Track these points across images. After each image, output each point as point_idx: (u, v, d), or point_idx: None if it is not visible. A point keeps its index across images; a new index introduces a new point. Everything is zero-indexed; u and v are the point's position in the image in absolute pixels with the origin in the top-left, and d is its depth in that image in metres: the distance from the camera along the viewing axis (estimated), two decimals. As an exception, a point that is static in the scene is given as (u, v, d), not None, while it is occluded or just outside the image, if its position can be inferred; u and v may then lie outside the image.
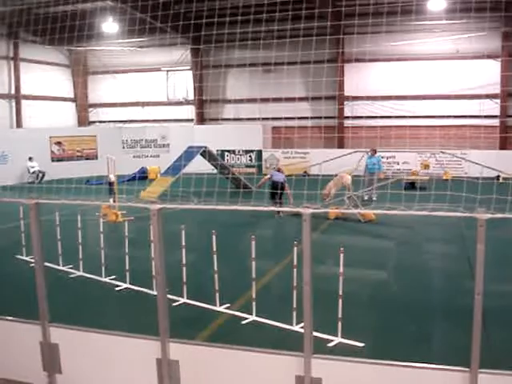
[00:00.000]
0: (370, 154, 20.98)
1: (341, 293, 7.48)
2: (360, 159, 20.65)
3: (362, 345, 7.38)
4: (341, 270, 7.52)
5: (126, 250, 10.14)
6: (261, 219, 16.98)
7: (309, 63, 24.82)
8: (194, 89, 33.78)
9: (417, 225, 15.62)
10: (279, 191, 17.36)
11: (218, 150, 28.79)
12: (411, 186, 22.49)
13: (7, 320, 6.73)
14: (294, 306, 7.72)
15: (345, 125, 31.56)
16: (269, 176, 18.41)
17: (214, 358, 5.81)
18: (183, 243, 9.06)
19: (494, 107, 28.68)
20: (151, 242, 9.24)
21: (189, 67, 34.03)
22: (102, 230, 10.88)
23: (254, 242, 8.16)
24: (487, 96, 28.34)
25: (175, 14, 18.81)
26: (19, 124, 32.45)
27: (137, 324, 7.24)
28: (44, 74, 33.93)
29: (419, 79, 29.95)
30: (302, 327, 7.54)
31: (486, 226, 4.74)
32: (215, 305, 8.86)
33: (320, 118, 29.26)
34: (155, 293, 9.13)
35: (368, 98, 30.55)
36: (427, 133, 29.27)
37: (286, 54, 20.82)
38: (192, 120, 34.59)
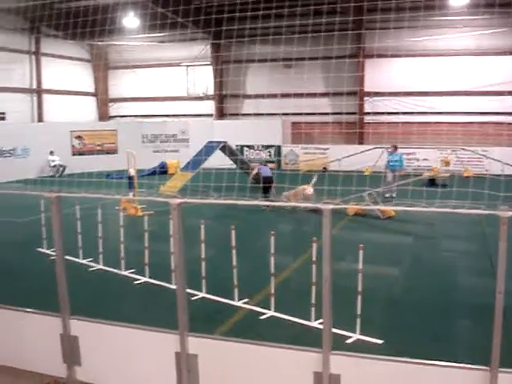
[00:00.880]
0: (390, 150, 20.81)
1: (360, 289, 7.45)
2: (380, 155, 20.50)
3: (380, 342, 7.34)
4: (360, 266, 7.49)
5: (146, 244, 10.18)
6: (277, 215, 16.99)
7: (330, 58, 24.73)
8: (214, 84, 33.79)
9: (437, 222, 15.48)
10: (268, 185, 18.45)
11: (237, 145, 28.80)
12: (431, 183, 22.24)
13: (28, 312, 6.80)
14: (313, 301, 7.71)
15: (365, 121, 31.36)
16: (256, 171, 19.22)
17: (233, 353, 5.81)
18: (202, 238, 9.08)
19: (516, 104, 28.31)
20: (170, 237, 9.35)
21: (209, 62, 34.04)
22: (121, 223, 10.94)
23: (273, 238, 8.15)
24: (510, 93, 27.97)
25: (196, 9, 18.78)
26: (40, 118, 32.74)
27: (155, 318, 7.27)
28: (65, 69, 34.18)
29: (441, 75, 29.61)
30: (320, 323, 7.54)
31: (509, 223, 4.68)
32: (234, 299, 8.87)
33: (340, 113, 29.14)
34: (174, 287, 9.20)
35: (389, 93, 30.28)
36: (448, 129, 28.92)
37: (307, 49, 20.75)
38: (211, 115, 34.63)
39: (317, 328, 7.55)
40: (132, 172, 17.77)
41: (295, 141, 31.59)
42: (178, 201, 5.67)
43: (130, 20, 30.07)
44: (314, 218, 14.63)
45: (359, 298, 7.42)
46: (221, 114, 34.44)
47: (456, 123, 29.05)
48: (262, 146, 31.03)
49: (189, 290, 7.53)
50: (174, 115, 34.05)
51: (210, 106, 34.73)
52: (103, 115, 37.16)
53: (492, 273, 8.44)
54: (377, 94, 30.90)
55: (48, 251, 11.96)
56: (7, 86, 29.73)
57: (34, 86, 32.66)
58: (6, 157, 26.35)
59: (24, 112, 31.50)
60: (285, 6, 18.67)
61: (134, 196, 15.70)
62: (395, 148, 20.74)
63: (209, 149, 22.55)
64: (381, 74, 30.52)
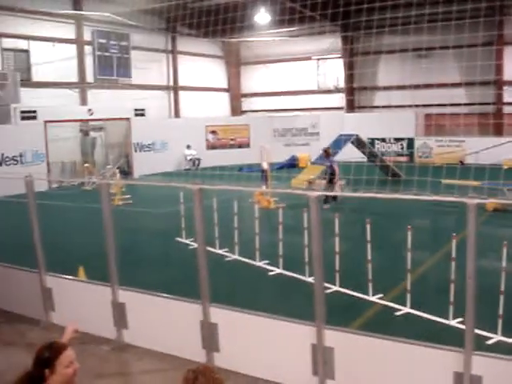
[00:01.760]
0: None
1: (502, 288, 7.12)
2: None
3: (525, 344, 6.97)
4: (503, 264, 7.15)
5: (280, 236, 10.36)
6: (413, 208, 16.51)
7: (462, 47, 23.62)
8: (345, 76, 33.50)
9: None
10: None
11: (368, 138, 28.37)
12: None
13: (169, 298, 7.20)
14: (452, 299, 7.46)
15: (504, 111, 29.60)
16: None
17: (370, 348, 5.79)
18: (337, 231, 9.09)
19: None
20: (304, 229, 9.46)
21: (339, 55, 33.80)
22: (256, 215, 11.20)
23: (410, 233, 7.98)
24: None
25: (324, 2, 18.70)
26: (177, 114, 34.28)
27: (289, 308, 7.38)
28: (199, 66, 35.54)
29: None
30: (459, 322, 7.31)
31: None
32: (368, 294, 8.80)
33: (475, 104, 27.74)
34: (307, 279, 9.33)
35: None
36: None
37: (439, 38, 20.01)
38: (342, 108, 34.37)
39: (455, 327, 7.32)
40: (265, 165, 18.15)
41: (428, 133, 30.54)
42: (316, 193, 5.74)
43: (261, 16, 30.58)
44: (453, 213, 14.05)
45: (502, 297, 7.09)
46: (351, 106, 34.09)
47: None
48: (394, 139, 30.33)
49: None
50: (304, 109, 34.20)
51: (340, 99, 34.49)
52: (235, 110, 38.16)
53: None
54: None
55: (187, 241, 12.55)
56: (146, 84, 31.42)
57: (171, 83, 34.23)
58: (146, 151, 27.84)
59: (162, 108, 33.09)
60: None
61: (267, 189, 16.01)
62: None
63: (339, 142, 22.40)
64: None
